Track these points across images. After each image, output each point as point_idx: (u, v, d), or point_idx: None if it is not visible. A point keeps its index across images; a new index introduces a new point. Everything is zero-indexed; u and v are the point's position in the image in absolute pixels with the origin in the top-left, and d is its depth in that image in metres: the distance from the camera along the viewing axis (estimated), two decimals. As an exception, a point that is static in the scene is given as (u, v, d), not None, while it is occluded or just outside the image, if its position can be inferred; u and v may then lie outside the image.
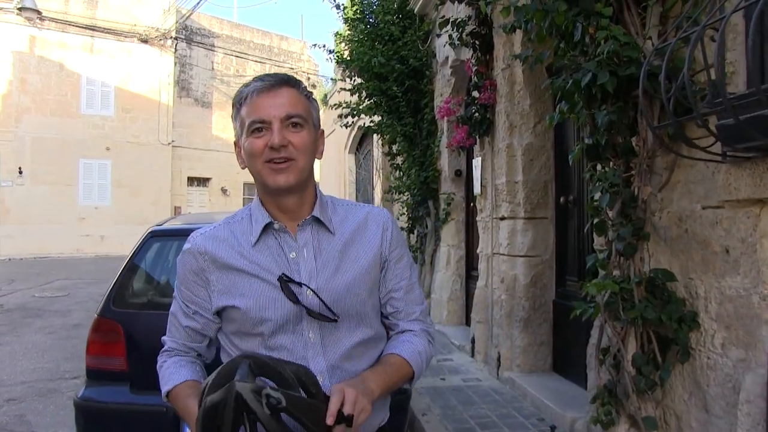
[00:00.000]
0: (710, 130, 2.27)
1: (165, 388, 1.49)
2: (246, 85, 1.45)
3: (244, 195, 27.16)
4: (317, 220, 1.49)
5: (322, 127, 1.53)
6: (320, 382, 1.32)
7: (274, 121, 1.38)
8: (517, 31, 4.32)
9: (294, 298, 1.40)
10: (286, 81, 1.44)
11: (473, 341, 6.26)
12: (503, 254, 5.49)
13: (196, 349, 1.55)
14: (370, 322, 1.52)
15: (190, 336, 1.53)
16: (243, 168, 1.48)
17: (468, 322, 7.20)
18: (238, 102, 1.44)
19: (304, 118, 1.43)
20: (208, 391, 1.19)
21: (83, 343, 7.49)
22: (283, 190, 1.42)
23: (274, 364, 1.23)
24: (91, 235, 21.81)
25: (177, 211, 23.98)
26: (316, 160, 1.50)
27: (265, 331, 1.42)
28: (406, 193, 9.00)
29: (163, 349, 1.56)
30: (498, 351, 5.48)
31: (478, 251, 6.40)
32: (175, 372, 1.50)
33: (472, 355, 6.23)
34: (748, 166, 2.41)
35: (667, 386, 2.99)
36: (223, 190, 26.33)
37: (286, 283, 1.41)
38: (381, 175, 12.73)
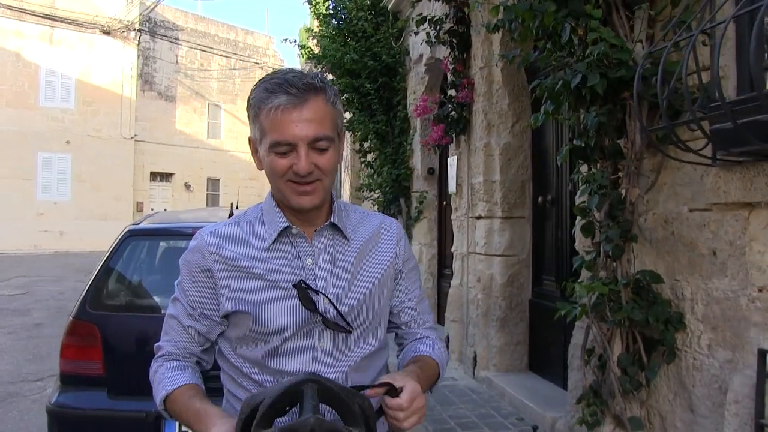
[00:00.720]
0: (705, 133, 2.29)
1: (163, 391, 1.37)
2: (270, 92, 1.31)
3: (207, 191, 26.79)
4: (334, 227, 1.44)
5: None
6: None
7: (300, 144, 1.30)
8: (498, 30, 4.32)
9: (312, 306, 1.36)
10: (314, 88, 1.32)
11: (447, 340, 6.26)
12: (480, 253, 5.50)
13: (196, 354, 1.46)
14: (379, 333, 1.49)
15: (193, 338, 1.44)
16: (260, 169, 1.41)
17: (440, 321, 7.20)
18: (257, 106, 1.33)
19: (331, 138, 1.34)
20: (266, 410, 1.09)
21: (46, 343, 7.40)
22: (306, 210, 1.38)
23: (344, 395, 1.14)
24: (49, 230, 21.18)
25: (139, 206, 23.52)
26: None
27: (275, 339, 1.37)
28: (377, 191, 8.96)
29: (158, 354, 1.46)
30: (474, 350, 5.49)
31: (452, 250, 6.40)
32: (175, 375, 1.39)
33: (446, 343, 6.23)
34: (739, 169, 2.44)
35: (651, 386, 3.02)
36: (187, 186, 25.91)
37: (304, 290, 1.35)
38: (350, 172, 12.67)
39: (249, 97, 1.38)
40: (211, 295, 1.41)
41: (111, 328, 3.11)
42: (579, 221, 3.26)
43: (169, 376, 1.40)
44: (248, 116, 1.39)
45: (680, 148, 2.55)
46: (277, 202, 1.44)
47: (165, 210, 14.28)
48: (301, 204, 1.36)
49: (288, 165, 1.32)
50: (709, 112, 2.31)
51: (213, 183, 27.06)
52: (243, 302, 1.37)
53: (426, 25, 6.21)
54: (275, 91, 1.31)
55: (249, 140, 1.43)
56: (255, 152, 1.41)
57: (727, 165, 2.48)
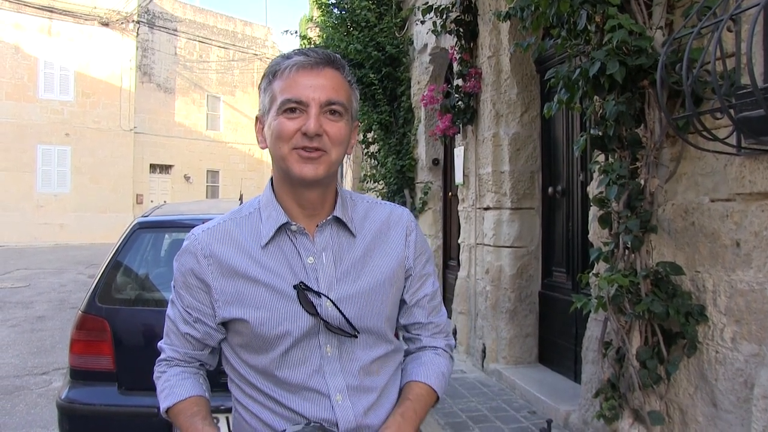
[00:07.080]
0: (734, 121, 2.23)
1: (165, 403, 1.33)
2: (285, 57, 1.28)
3: (207, 183, 26.72)
4: (338, 221, 1.34)
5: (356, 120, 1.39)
6: (339, 402, 1.25)
7: (313, 104, 1.23)
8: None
9: (312, 310, 1.26)
10: (332, 61, 1.28)
11: (454, 332, 6.21)
12: (488, 245, 5.44)
13: (198, 358, 1.40)
14: (389, 336, 1.39)
15: (191, 344, 1.37)
16: (263, 148, 1.32)
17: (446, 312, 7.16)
18: (271, 73, 1.28)
19: (345, 107, 1.27)
20: None
21: (50, 336, 7.37)
22: (308, 182, 1.26)
23: None
24: (49, 223, 21.10)
25: (139, 198, 23.45)
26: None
27: (278, 347, 1.28)
28: (381, 182, 8.89)
29: (160, 357, 1.40)
30: (483, 342, 5.44)
31: (459, 241, 6.35)
32: (177, 385, 1.34)
33: (454, 347, 6.18)
34: (766, 158, 2.38)
35: (671, 380, 2.97)
36: (186, 178, 25.83)
37: (303, 292, 1.26)
38: (352, 163, 12.60)
39: (263, 74, 1.33)
40: (206, 301, 1.32)
41: (121, 323, 3.04)
42: (596, 212, 3.21)
43: (171, 386, 1.35)
44: (260, 91, 1.33)
45: (704, 137, 2.50)
46: (276, 194, 1.34)
47: (165, 202, 14.25)
48: (304, 173, 1.25)
49: (296, 127, 1.24)
50: (738, 100, 2.25)
51: (212, 175, 26.98)
52: (240, 309, 1.29)
53: (432, 14, 6.14)
54: (292, 55, 1.28)
55: (256, 118, 1.36)
56: (261, 129, 1.33)
57: (753, 154, 2.42)
